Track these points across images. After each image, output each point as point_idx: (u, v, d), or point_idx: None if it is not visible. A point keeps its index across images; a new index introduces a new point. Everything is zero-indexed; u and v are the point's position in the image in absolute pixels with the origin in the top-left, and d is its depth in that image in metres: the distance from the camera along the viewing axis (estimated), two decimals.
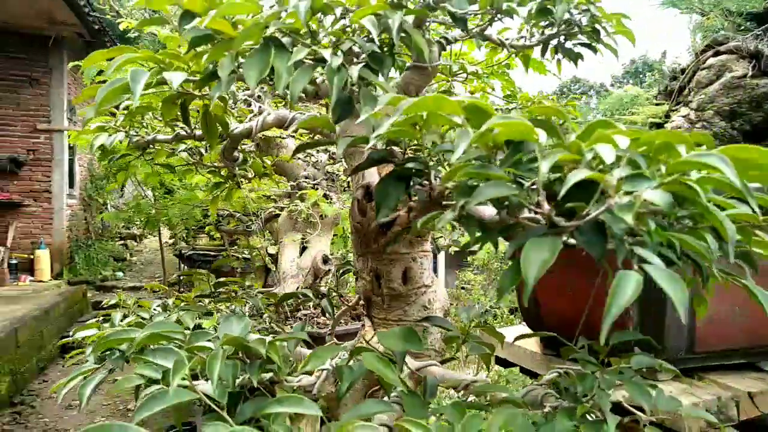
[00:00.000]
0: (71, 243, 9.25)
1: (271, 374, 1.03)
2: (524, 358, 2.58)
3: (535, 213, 0.74)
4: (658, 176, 0.71)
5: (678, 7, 2.31)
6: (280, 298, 1.41)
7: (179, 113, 1.28)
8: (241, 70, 1.00)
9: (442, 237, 4.01)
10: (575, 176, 0.67)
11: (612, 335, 1.26)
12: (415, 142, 0.97)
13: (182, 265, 7.11)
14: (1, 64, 8.62)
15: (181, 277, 6.48)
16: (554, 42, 1.63)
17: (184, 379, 0.89)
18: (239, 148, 1.70)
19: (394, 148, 1.02)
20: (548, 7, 1.45)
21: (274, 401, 0.85)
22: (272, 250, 5.47)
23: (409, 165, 0.92)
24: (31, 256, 8.59)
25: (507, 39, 1.61)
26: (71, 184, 9.32)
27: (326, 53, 0.96)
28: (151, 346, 1.07)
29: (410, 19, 1.19)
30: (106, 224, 9.74)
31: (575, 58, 1.64)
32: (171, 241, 8.45)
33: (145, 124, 1.48)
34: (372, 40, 1.09)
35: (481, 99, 1.78)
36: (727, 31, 2.29)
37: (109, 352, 1.28)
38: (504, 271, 0.74)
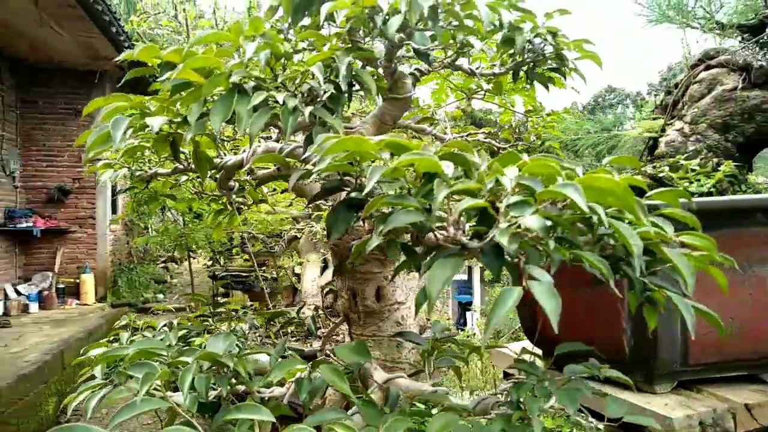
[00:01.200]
0: (114, 267, 9.66)
1: (244, 386, 1.15)
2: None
3: (443, 237, 0.84)
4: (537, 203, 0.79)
5: (671, 22, 2.33)
6: (268, 317, 1.53)
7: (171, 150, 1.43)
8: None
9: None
10: (462, 204, 0.77)
11: (561, 345, 1.33)
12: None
13: (217, 286, 7.36)
14: (51, 98, 9.17)
15: (216, 298, 6.72)
16: (525, 68, 1.72)
17: (158, 389, 1.01)
18: (237, 176, 1.84)
19: (348, 178, 1.13)
20: (512, 38, 1.54)
21: (233, 409, 0.97)
22: (298, 269, 5.64)
23: (353, 194, 1.03)
24: (77, 281, 9.02)
25: (477, 68, 1.71)
26: (114, 210, 9.77)
27: (280, 97, 1.08)
28: (141, 360, 1.20)
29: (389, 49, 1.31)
30: (147, 248, 10.15)
31: (545, 82, 1.73)
32: (210, 263, 8.75)
33: (146, 159, 1.63)
34: (331, 81, 1.21)
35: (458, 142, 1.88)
36: (719, 45, 2.31)
37: (114, 368, 1.42)
38: (420, 289, 0.84)
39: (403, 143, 0.91)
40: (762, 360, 2.15)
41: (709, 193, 2.27)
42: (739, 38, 2.43)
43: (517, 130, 1.92)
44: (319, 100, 1.19)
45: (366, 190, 0.84)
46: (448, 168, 0.87)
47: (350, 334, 1.49)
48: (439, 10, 1.28)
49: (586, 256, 0.88)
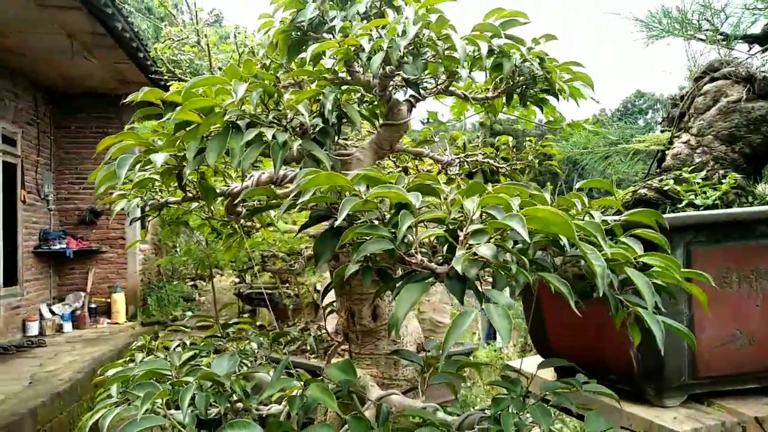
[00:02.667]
0: (144, 286, 9.92)
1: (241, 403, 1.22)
2: (539, 386, 2.65)
3: (414, 263, 0.90)
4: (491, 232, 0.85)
5: (675, 35, 2.32)
6: (273, 336, 1.61)
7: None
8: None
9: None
10: (422, 234, 0.83)
11: (543, 362, 1.36)
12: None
13: (242, 304, 7.50)
14: (83, 123, 9.54)
15: (242, 314, 6.85)
16: (518, 90, 1.78)
17: (160, 408, 1.09)
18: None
19: (335, 206, 1.20)
20: (500, 63, 1.60)
21: (227, 425, 1.04)
22: (320, 286, 5.72)
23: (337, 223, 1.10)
24: (108, 300, 9.28)
25: (471, 93, 1.78)
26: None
27: (269, 133, 1.16)
28: (147, 380, 1.29)
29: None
30: (175, 267, 10.38)
31: (538, 103, 1.78)
32: (237, 281, 8.91)
33: (158, 189, 1.74)
34: (321, 115, 1.29)
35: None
36: (724, 57, 2.30)
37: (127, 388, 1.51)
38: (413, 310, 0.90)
39: (376, 176, 0.98)
40: None
41: (714, 206, 2.28)
42: (747, 48, 2.44)
43: (514, 150, 1.98)
44: (310, 133, 1.27)
45: (338, 221, 0.91)
46: (415, 199, 0.93)
47: (349, 352, 1.56)
48: (422, 45, 1.35)
49: (548, 278, 0.93)
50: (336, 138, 1.31)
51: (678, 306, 1.97)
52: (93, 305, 9.27)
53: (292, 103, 1.27)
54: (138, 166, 1.36)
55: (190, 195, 1.75)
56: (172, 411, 1.13)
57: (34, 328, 8.44)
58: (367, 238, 0.95)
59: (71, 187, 9.52)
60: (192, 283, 11.52)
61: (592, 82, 1.73)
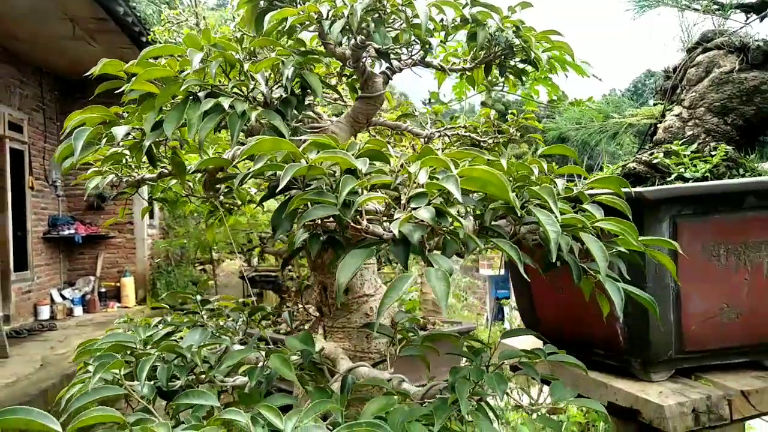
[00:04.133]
0: (153, 270, 10.00)
1: (205, 374, 1.22)
2: (536, 366, 2.64)
3: (356, 229, 0.89)
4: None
5: (667, 4, 2.23)
6: (248, 312, 1.61)
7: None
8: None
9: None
10: (361, 198, 0.81)
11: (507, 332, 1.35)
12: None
13: (248, 287, 7.56)
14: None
15: (248, 297, 6.90)
16: (497, 61, 1.74)
17: (119, 379, 1.10)
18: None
19: (296, 178, 1.19)
20: (475, 33, 1.57)
21: (182, 395, 1.04)
22: None
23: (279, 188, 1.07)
24: (118, 284, 9.39)
25: (448, 65, 1.74)
26: (151, 215, 10.11)
27: (226, 102, 1.15)
28: (117, 353, 1.29)
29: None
30: (183, 251, 10.45)
31: (518, 74, 1.75)
32: (246, 265, 8.96)
33: (134, 165, 1.73)
34: (283, 87, 1.27)
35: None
36: (718, 27, 2.22)
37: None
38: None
39: (327, 143, 0.96)
40: (762, 346, 2.11)
41: (704, 179, 2.23)
42: (744, 18, 2.37)
43: (495, 123, 1.94)
44: (273, 104, 1.26)
45: (279, 187, 0.89)
46: (362, 164, 0.92)
47: (323, 326, 1.55)
48: (385, 12, 1.32)
49: (499, 244, 0.91)
50: (299, 108, 1.29)
51: (664, 280, 1.95)
52: (103, 290, 9.37)
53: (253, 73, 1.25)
54: (104, 141, 1.35)
55: (165, 171, 1.75)
56: (134, 382, 1.13)
57: (45, 312, 8.56)
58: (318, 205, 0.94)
59: (78, 173, 9.53)
60: (201, 267, 11.60)
61: (572, 51, 1.69)
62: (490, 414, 1.10)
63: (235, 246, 4.13)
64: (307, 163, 0.93)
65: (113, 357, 1.11)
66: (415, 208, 0.82)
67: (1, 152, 8.07)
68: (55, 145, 9.43)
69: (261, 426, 0.89)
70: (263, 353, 1.21)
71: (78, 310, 8.96)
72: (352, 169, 0.93)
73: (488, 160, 0.98)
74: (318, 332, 1.53)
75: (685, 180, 2.18)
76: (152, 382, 1.14)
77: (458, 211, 0.86)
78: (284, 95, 1.26)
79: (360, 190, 0.87)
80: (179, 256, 10.32)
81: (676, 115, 2.23)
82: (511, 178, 1.04)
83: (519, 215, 0.99)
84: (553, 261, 0.94)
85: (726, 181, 1.98)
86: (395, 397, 1.06)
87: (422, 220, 0.81)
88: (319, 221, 0.99)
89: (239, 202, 1.98)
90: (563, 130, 2.88)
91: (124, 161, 1.69)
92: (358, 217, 0.89)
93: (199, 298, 1.83)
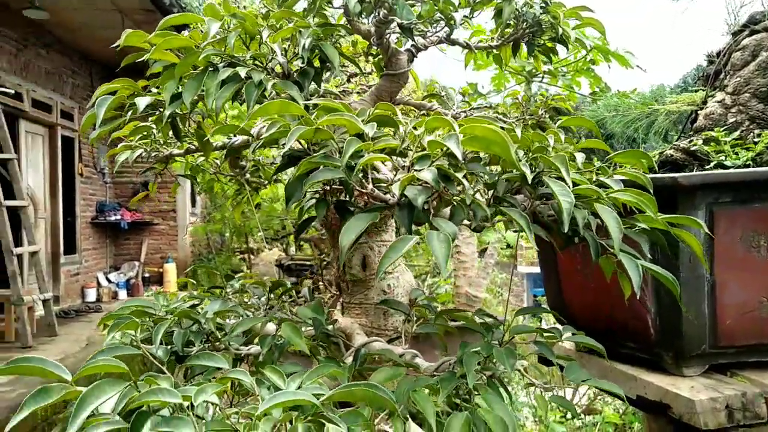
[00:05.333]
0: (194, 257, 10.25)
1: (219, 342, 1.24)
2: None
3: (361, 193, 0.88)
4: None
5: None
6: (270, 288, 1.62)
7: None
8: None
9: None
10: (363, 159, 0.80)
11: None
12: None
13: (283, 275, 7.67)
14: None
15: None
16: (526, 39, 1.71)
17: (135, 341, 1.12)
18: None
19: (315, 147, 1.19)
20: (501, 9, 1.54)
21: (194, 357, 1.06)
22: None
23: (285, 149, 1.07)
24: (160, 270, 9.66)
25: (477, 43, 1.71)
26: (193, 203, 10.36)
27: (243, 72, 1.16)
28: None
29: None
30: (224, 239, 10.67)
31: (547, 52, 1.70)
32: (283, 255, 9.09)
33: (162, 141, 1.77)
34: (301, 57, 1.27)
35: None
36: (766, 8, 2.10)
37: None
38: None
39: (335, 107, 0.95)
40: None
41: (746, 167, 2.14)
42: None
43: (523, 104, 1.90)
44: (290, 76, 1.26)
45: (286, 147, 0.89)
46: (370, 129, 0.91)
47: (341, 303, 1.56)
48: None
49: (509, 212, 0.89)
50: (317, 81, 1.29)
51: (698, 270, 1.87)
52: (146, 275, 9.67)
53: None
54: (129, 114, 1.39)
55: (192, 147, 1.78)
56: (150, 346, 1.16)
57: (91, 295, 8.89)
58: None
59: (125, 161, 9.90)
60: (240, 256, 11.82)
61: (603, 29, 1.64)
62: (503, 392, 1.08)
63: (272, 232, 4.18)
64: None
65: (131, 319, 1.14)
66: (418, 170, 0.81)
67: (54, 140, 8.40)
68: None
69: (266, 387, 0.90)
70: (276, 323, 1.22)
71: (122, 294, 9.27)
72: (360, 133, 0.92)
73: (501, 127, 0.96)
74: (336, 308, 1.53)
75: (725, 168, 2.09)
76: (168, 347, 1.16)
77: (465, 176, 0.84)
78: (302, 66, 1.26)
79: (365, 154, 0.86)
80: (220, 245, 10.53)
81: (718, 102, 2.14)
82: (528, 150, 1.01)
83: (532, 185, 0.96)
84: (565, 231, 0.91)
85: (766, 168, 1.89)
86: (403, 368, 1.05)
87: (426, 182, 0.79)
88: (328, 187, 0.99)
89: (265, 181, 2.00)
90: (599, 117, 2.80)
91: (152, 137, 1.73)
92: (363, 180, 0.88)
93: (237, 285, 1.85)
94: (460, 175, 0.82)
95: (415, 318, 1.43)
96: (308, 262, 6.95)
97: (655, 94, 2.82)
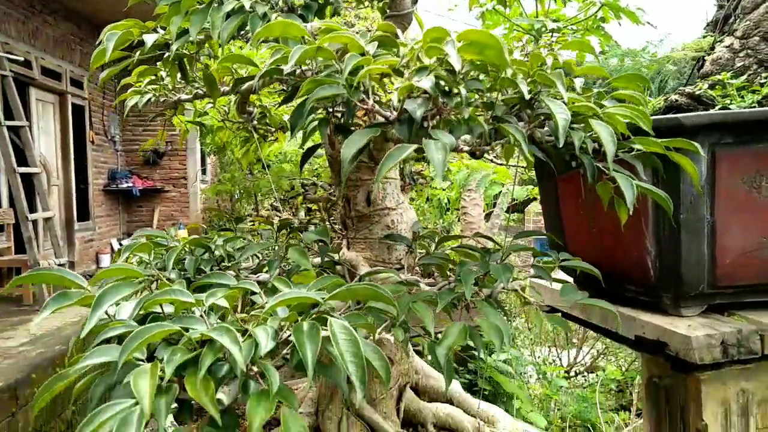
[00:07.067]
0: (206, 224, 10.36)
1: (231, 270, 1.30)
2: (565, 304, 2.62)
3: (362, 108, 0.91)
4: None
5: None
6: (278, 227, 1.67)
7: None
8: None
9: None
10: (362, 71, 0.83)
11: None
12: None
13: None
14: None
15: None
16: None
17: (149, 266, 1.18)
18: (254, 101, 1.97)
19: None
20: None
21: (204, 276, 1.11)
22: None
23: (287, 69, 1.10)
24: None
25: None
26: (204, 171, 10.43)
27: (247, 3, 1.18)
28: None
29: None
30: (234, 206, 10.76)
31: None
32: (294, 220, 9.15)
33: (170, 86, 1.80)
34: None
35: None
36: None
37: None
38: None
39: (335, 27, 0.98)
40: None
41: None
42: None
43: (524, 49, 1.90)
44: (294, 10, 1.28)
45: (287, 67, 0.92)
46: (371, 47, 0.94)
47: (346, 237, 1.60)
48: None
49: (506, 128, 0.92)
50: (320, 15, 1.31)
51: (699, 211, 1.89)
52: None
53: None
54: (137, 54, 1.42)
55: (200, 92, 1.81)
56: (164, 272, 1.21)
57: (105, 261, 9.04)
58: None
59: (135, 129, 9.97)
60: (251, 221, 11.90)
61: None
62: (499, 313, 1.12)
63: (280, 192, 4.22)
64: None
65: (144, 245, 1.18)
66: (418, 81, 0.84)
67: (64, 107, 8.45)
68: (113, 101, 9.78)
69: (273, 297, 0.95)
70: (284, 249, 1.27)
71: None
72: (363, 53, 0.95)
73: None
74: (342, 244, 1.58)
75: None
76: (181, 273, 1.22)
77: (462, 89, 0.87)
78: (305, 1, 1.28)
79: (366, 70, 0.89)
80: (230, 211, 10.64)
81: (726, 46, 2.12)
82: (527, 74, 1.03)
83: (530, 105, 0.99)
84: (560, 146, 0.94)
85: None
86: (405, 287, 1.09)
87: (425, 93, 0.82)
88: (330, 108, 1.02)
89: (272, 128, 2.03)
90: (608, 56, 2.78)
91: (160, 83, 1.76)
92: (364, 96, 0.91)
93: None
94: (458, 88, 0.85)
95: (417, 251, 1.47)
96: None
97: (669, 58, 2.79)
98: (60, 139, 8.39)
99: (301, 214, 7.78)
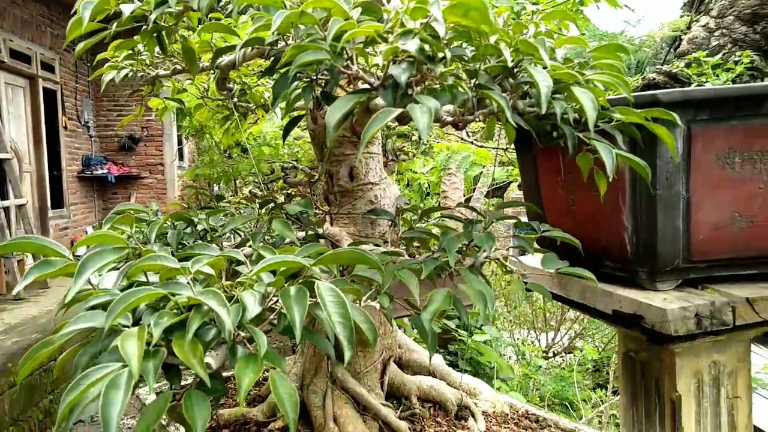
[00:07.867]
0: (185, 205, 10.26)
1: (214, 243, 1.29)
2: (545, 281, 2.66)
3: (347, 75, 0.91)
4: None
5: None
6: (260, 204, 1.66)
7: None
8: None
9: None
10: (346, 34, 0.83)
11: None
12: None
13: None
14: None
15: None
16: None
17: (127, 235, 1.17)
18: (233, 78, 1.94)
19: None
20: None
21: (188, 248, 1.10)
22: None
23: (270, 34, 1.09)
24: None
25: None
26: (180, 157, 10.30)
27: None
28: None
29: None
30: (213, 192, 10.65)
31: None
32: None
33: (148, 62, 1.77)
34: None
35: None
36: None
37: None
38: None
39: None
40: None
41: None
42: None
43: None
44: None
45: (271, 30, 0.92)
46: (355, 13, 0.93)
47: (330, 214, 1.60)
48: None
49: (489, 93, 0.93)
50: None
51: (675, 187, 1.93)
52: None
53: None
54: (114, 26, 1.39)
55: (179, 68, 1.79)
56: (147, 246, 1.20)
57: (81, 249, 8.89)
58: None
59: (110, 114, 9.78)
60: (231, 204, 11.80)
61: None
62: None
63: (260, 176, 4.19)
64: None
65: (126, 218, 1.17)
66: (403, 44, 0.84)
67: (35, 92, 8.25)
68: (87, 86, 9.58)
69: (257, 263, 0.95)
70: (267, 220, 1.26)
71: None
72: (347, 18, 0.95)
73: None
74: (326, 220, 1.58)
75: None
76: (164, 246, 1.21)
77: (446, 55, 0.87)
78: None
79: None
80: (209, 199, 10.54)
81: (702, 26, 2.17)
82: (510, 45, 1.04)
83: (512, 74, 0.99)
84: (543, 113, 0.95)
85: (744, 84, 1.94)
86: (389, 257, 1.10)
87: (409, 56, 0.83)
88: (314, 76, 1.02)
89: (252, 105, 2.01)
90: (587, 39, 2.81)
91: (138, 59, 1.73)
92: (348, 62, 0.91)
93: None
94: (444, 51, 0.85)
95: (401, 226, 1.48)
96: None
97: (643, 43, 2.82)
98: (32, 124, 8.20)
99: (281, 199, 7.76)
